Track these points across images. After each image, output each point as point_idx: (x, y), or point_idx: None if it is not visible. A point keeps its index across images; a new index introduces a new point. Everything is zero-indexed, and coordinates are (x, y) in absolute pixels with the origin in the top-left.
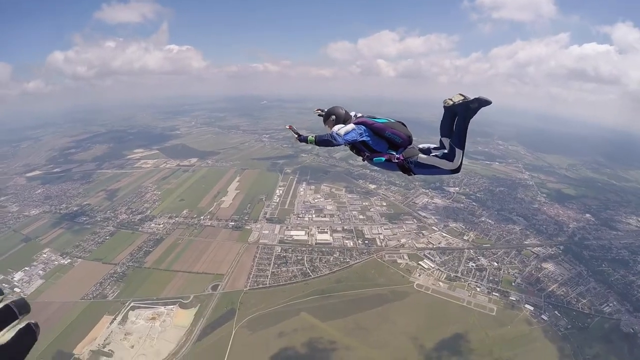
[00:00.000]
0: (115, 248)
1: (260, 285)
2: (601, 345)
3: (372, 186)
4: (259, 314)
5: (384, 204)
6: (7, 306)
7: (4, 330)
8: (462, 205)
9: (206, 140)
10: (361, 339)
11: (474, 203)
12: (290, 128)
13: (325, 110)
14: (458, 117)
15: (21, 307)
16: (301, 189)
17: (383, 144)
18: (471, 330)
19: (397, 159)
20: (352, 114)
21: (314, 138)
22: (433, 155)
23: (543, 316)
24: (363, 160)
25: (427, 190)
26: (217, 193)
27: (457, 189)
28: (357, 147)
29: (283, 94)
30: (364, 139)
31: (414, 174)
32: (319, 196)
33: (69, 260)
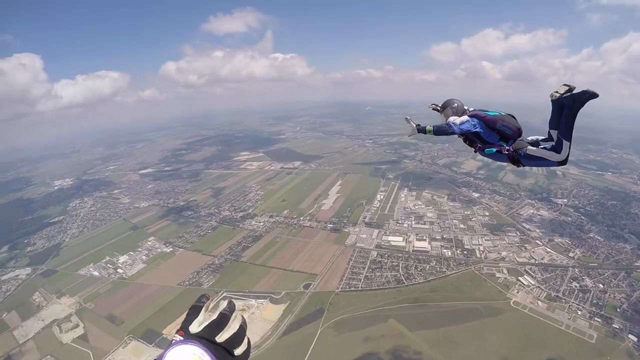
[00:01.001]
0: (215, 241)
1: (352, 288)
2: None
3: (476, 195)
4: (347, 316)
5: (487, 213)
6: (241, 327)
7: (242, 346)
8: (569, 218)
9: (310, 144)
10: (448, 353)
11: (582, 217)
12: (408, 120)
13: (440, 104)
14: (565, 110)
15: (244, 324)
16: (402, 195)
17: (494, 136)
18: (566, 357)
19: (507, 150)
20: (466, 107)
21: (432, 128)
22: (541, 148)
23: None
24: (475, 151)
25: (533, 201)
26: (319, 196)
27: (565, 200)
28: (470, 138)
29: (387, 100)
30: (477, 130)
31: (523, 165)
32: (419, 203)
33: (171, 249)
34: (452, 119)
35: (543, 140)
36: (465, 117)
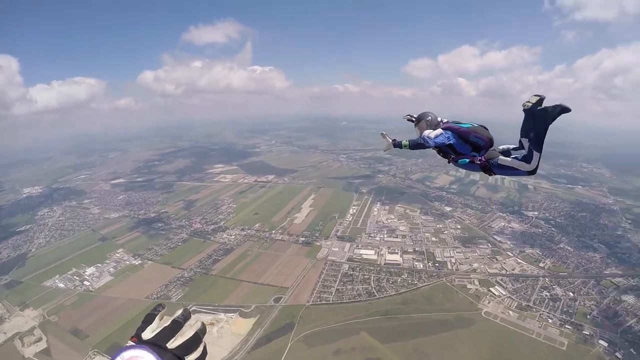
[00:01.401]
0: (185, 254)
1: (323, 302)
2: None
3: (448, 208)
4: (318, 330)
5: (459, 226)
6: (196, 334)
7: (194, 354)
8: (540, 230)
9: (285, 158)
10: None
11: (553, 228)
12: (384, 135)
13: (416, 116)
14: (537, 122)
15: (202, 331)
16: (375, 209)
17: (467, 147)
18: None
19: (480, 160)
20: (439, 119)
21: (408, 142)
22: (512, 158)
23: (617, 354)
24: (449, 162)
25: (505, 214)
26: (291, 209)
27: (536, 213)
28: (443, 150)
29: (364, 115)
30: (450, 142)
31: (494, 174)
32: (392, 217)
33: (140, 262)
34: (426, 132)
35: (514, 149)
36: (439, 131)
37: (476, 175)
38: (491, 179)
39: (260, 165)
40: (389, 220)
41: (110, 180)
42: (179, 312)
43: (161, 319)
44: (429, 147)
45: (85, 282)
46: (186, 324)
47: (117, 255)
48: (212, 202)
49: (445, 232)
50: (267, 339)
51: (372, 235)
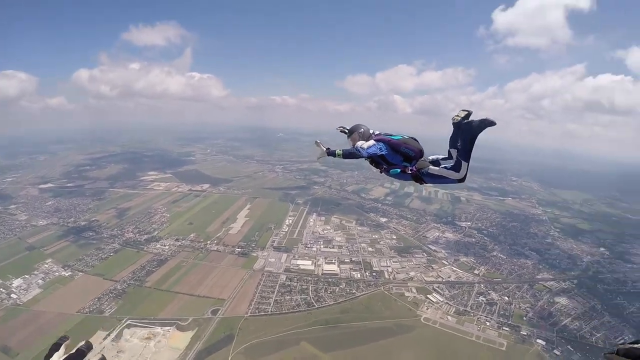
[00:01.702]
0: (118, 265)
1: (262, 313)
2: None
3: (383, 219)
4: (258, 341)
5: (394, 237)
6: (79, 350)
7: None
8: (473, 239)
9: (220, 167)
10: None
11: (486, 238)
12: (318, 143)
13: (348, 128)
14: (464, 135)
15: (87, 346)
16: (311, 220)
17: (398, 158)
18: None
19: (411, 170)
20: (371, 131)
21: (341, 152)
22: (442, 167)
23: (555, 351)
24: (381, 172)
25: (439, 225)
26: (227, 219)
27: (469, 223)
28: (376, 160)
29: (300, 128)
30: (382, 153)
31: (425, 183)
32: (328, 227)
33: (70, 273)
34: (359, 143)
35: (443, 159)
36: (372, 142)
37: (410, 188)
38: (425, 191)
39: (195, 174)
40: (325, 231)
41: (39, 185)
42: (82, 343)
43: (65, 348)
44: (361, 157)
45: (13, 295)
46: (89, 353)
47: (46, 265)
48: (145, 210)
49: (381, 242)
50: (206, 352)
51: (309, 245)
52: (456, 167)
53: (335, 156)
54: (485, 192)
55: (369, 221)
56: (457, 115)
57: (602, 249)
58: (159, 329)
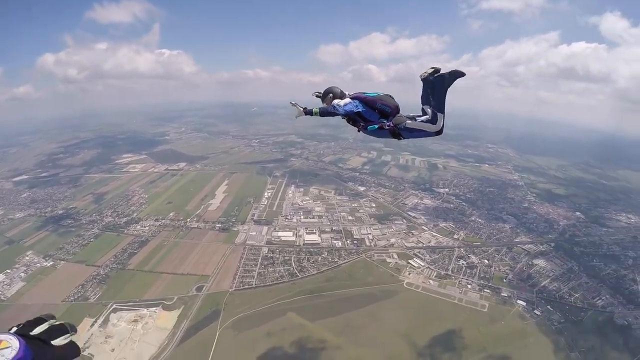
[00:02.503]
0: (99, 250)
1: (247, 286)
2: (596, 337)
3: (362, 188)
4: (245, 315)
5: (373, 205)
6: (62, 324)
7: (61, 338)
8: (452, 205)
9: (195, 145)
10: (351, 337)
11: (463, 203)
12: (294, 104)
13: (322, 92)
14: (436, 88)
15: (71, 327)
16: (290, 192)
17: (375, 114)
18: (464, 327)
19: (388, 125)
20: (346, 93)
21: (318, 110)
22: (419, 121)
23: (536, 311)
24: (358, 130)
25: (417, 192)
26: (205, 196)
27: (446, 189)
28: (352, 118)
29: (274, 101)
30: (359, 110)
31: (403, 138)
32: (307, 198)
33: (52, 263)
34: (336, 101)
35: (418, 116)
36: (347, 100)
37: (388, 156)
38: (402, 160)
39: (170, 153)
40: (305, 202)
41: (12, 178)
42: (44, 313)
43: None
44: (338, 114)
45: None
46: (49, 320)
47: (27, 258)
48: (122, 193)
49: (361, 210)
50: (194, 329)
51: (289, 217)
52: (433, 120)
53: (312, 114)
54: (462, 158)
55: (347, 190)
56: (426, 72)
57: (577, 213)
58: (145, 311)
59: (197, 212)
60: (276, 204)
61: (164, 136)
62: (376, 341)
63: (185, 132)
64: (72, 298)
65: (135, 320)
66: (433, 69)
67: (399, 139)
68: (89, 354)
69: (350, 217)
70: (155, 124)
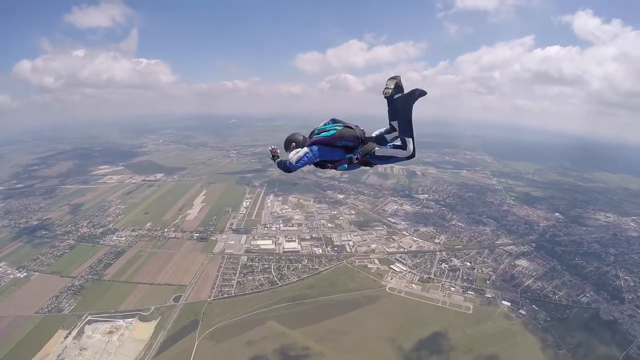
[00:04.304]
0: (74, 261)
1: (225, 295)
2: (583, 333)
3: (341, 196)
4: (224, 324)
5: (353, 212)
6: None
7: None
8: (431, 210)
9: (173, 156)
10: (334, 344)
11: (443, 208)
12: (272, 150)
13: (277, 152)
14: (399, 110)
15: None
16: (269, 201)
17: (339, 151)
18: (449, 329)
19: (357, 159)
20: (304, 136)
21: (276, 164)
22: (389, 147)
23: (521, 311)
24: (329, 168)
25: (396, 198)
26: (183, 206)
27: (426, 195)
28: (319, 163)
29: (253, 113)
30: (317, 160)
31: (374, 165)
32: (286, 207)
33: (25, 274)
34: (290, 155)
35: (386, 131)
36: (303, 151)
37: None
38: (381, 168)
39: (147, 164)
40: (284, 211)
41: None
42: None
43: None
44: (294, 170)
45: None
46: None
47: (0, 269)
48: (99, 204)
49: (341, 218)
50: (172, 340)
51: (268, 225)
52: (402, 146)
53: (274, 161)
54: (440, 165)
55: (327, 199)
56: (387, 88)
57: (557, 214)
58: (121, 322)
59: (175, 222)
60: (255, 212)
61: (141, 147)
62: (361, 347)
63: (162, 143)
64: (45, 309)
65: (111, 332)
66: (394, 81)
67: (371, 166)
68: None
69: (330, 225)
70: (133, 136)
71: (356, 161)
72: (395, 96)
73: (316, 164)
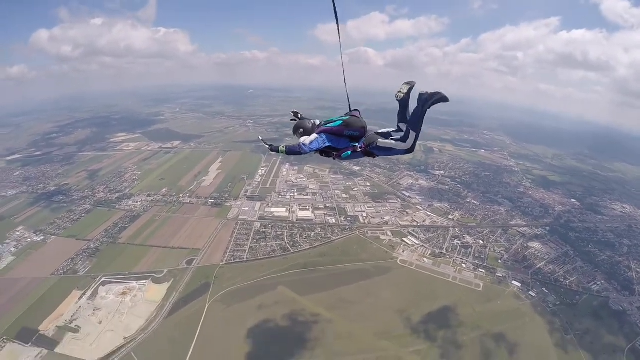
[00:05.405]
0: (90, 225)
1: (238, 260)
2: (591, 321)
3: (357, 168)
4: (235, 288)
5: (368, 184)
6: None
7: None
8: (447, 187)
9: (190, 124)
10: (343, 312)
11: (459, 185)
12: (261, 140)
13: (299, 114)
14: (417, 106)
15: None
16: (284, 170)
17: (345, 141)
18: (458, 305)
19: (360, 148)
20: (317, 122)
21: (284, 148)
22: (391, 139)
23: (531, 292)
24: (334, 159)
25: (412, 173)
26: (198, 173)
27: (442, 172)
28: (324, 151)
29: (271, 84)
30: (326, 144)
31: (377, 156)
32: (301, 176)
33: (42, 238)
34: (302, 139)
35: (394, 131)
36: (314, 136)
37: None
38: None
39: (164, 132)
40: (299, 180)
41: (6, 157)
42: None
43: None
44: (305, 153)
45: None
46: None
47: (18, 233)
48: (115, 170)
49: (355, 189)
50: (183, 302)
51: (282, 194)
52: (404, 138)
53: (278, 152)
54: (458, 143)
55: (342, 170)
56: (400, 92)
57: (573, 200)
58: (134, 284)
59: (190, 188)
60: (270, 181)
61: (158, 116)
62: (370, 316)
63: (180, 112)
64: (61, 271)
65: (124, 293)
66: (408, 87)
67: (373, 157)
68: (76, 326)
69: (344, 195)
70: (151, 105)
71: (359, 150)
72: (423, 92)
73: (321, 152)
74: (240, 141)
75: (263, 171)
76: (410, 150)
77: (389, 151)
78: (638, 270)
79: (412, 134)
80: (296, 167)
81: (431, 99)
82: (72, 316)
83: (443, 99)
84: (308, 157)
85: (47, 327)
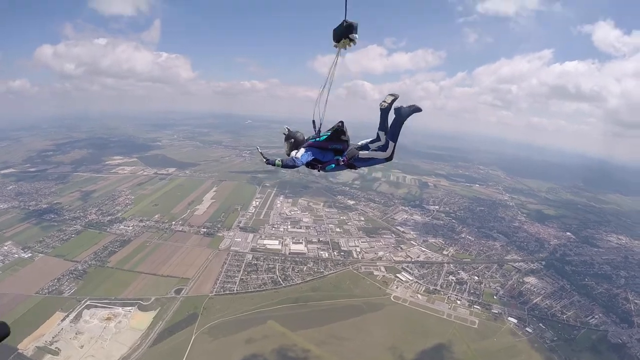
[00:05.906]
0: (79, 246)
1: (227, 292)
2: (590, 356)
3: (351, 202)
4: (223, 320)
5: (362, 218)
6: None
7: None
8: (441, 222)
9: (187, 152)
10: (334, 349)
11: (453, 220)
12: (259, 151)
13: (290, 131)
14: (395, 119)
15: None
16: (278, 202)
17: (329, 154)
18: (453, 342)
19: (343, 161)
20: (304, 137)
21: (280, 162)
22: (371, 150)
23: (527, 328)
24: (318, 171)
25: (407, 208)
26: (192, 201)
27: (437, 207)
28: (310, 163)
29: (269, 115)
30: (313, 158)
31: (357, 168)
32: (295, 209)
33: (30, 255)
34: (293, 153)
35: (371, 141)
36: (302, 150)
37: (378, 173)
38: (393, 176)
39: (161, 158)
40: (293, 212)
41: (0, 171)
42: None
43: None
44: (299, 166)
45: None
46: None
47: (5, 248)
48: (109, 193)
49: (350, 223)
50: (169, 332)
51: (276, 226)
52: (384, 148)
53: (274, 165)
54: (453, 178)
55: (337, 203)
56: (384, 101)
57: (568, 233)
58: (120, 309)
59: (183, 216)
60: (264, 212)
61: (156, 142)
62: (361, 354)
63: (177, 139)
64: (46, 290)
65: (109, 318)
66: (392, 98)
67: (355, 169)
68: (56, 348)
69: (338, 229)
70: (149, 130)
71: (342, 163)
72: (399, 106)
73: (307, 164)
74: (235, 171)
75: (257, 202)
76: (390, 158)
77: (370, 161)
78: (636, 301)
79: (391, 144)
80: (290, 200)
81: (408, 111)
82: (53, 337)
83: (417, 109)
84: (303, 191)
85: (27, 346)
